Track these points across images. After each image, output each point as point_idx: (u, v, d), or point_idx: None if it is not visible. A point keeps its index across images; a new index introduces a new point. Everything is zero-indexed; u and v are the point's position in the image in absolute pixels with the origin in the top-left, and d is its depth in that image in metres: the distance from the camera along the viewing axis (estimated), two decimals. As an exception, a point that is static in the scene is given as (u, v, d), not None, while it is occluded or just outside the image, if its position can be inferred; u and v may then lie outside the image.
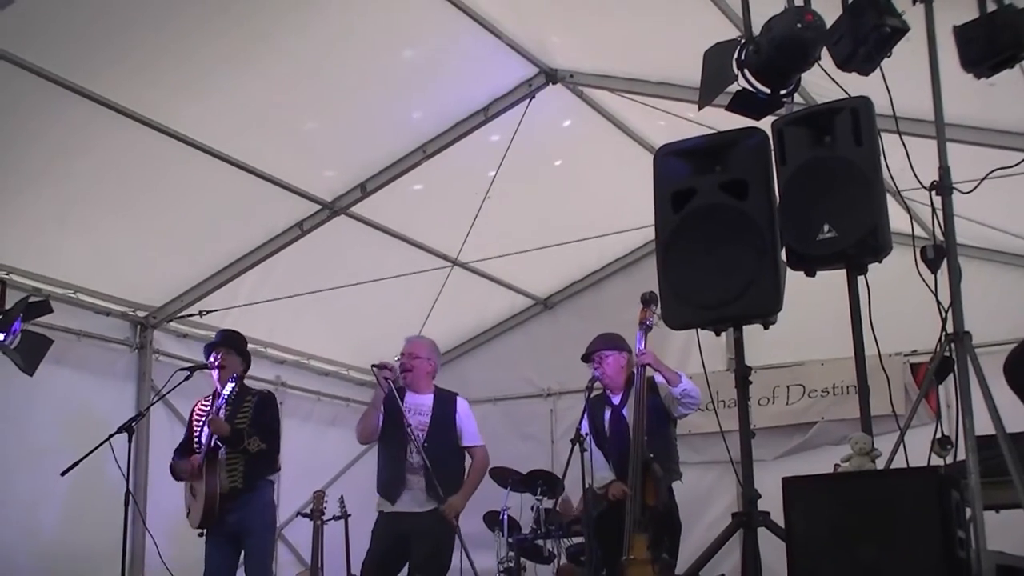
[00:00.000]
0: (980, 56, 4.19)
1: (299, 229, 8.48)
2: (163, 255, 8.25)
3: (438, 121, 7.95)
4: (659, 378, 6.75)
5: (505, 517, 8.54)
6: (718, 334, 5.13)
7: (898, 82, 4.43)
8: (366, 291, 8.86)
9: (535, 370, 10.71)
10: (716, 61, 4.69)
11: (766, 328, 4.90)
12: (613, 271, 10.53)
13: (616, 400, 7.03)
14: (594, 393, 6.92)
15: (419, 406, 6.92)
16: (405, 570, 6.78)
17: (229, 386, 6.79)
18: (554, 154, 8.73)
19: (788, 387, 9.39)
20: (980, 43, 4.17)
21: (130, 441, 6.54)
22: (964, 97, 4.95)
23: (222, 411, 6.78)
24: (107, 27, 6.09)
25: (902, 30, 4.27)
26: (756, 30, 4.55)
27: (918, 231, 5.33)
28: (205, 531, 6.78)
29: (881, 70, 4.37)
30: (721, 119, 5.12)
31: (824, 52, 4.48)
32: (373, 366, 6.84)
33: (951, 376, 4.25)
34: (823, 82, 4.76)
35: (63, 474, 6.41)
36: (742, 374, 4.94)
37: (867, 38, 4.26)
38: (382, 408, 6.82)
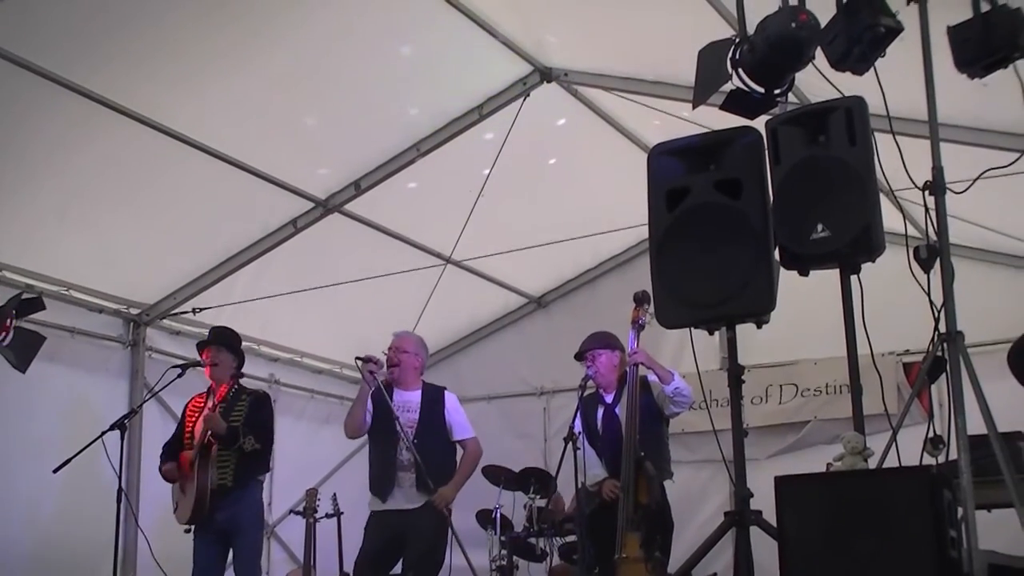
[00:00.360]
0: (974, 56, 4.20)
1: (293, 227, 8.47)
2: (157, 252, 8.24)
3: (432, 119, 7.95)
4: (652, 377, 6.75)
5: (498, 515, 8.53)
6: (711, 333, 5.12)
7: (892, 82, 4.44)
8: (360, 289, 8.85)
9: (529, 368, 10.72)
10: (710, 60, 4.69)
11: (759, 327, 4.90)
12: (607, 270, 10.53)
13: (609, 399, 7.05)
14: (587, 392, 6.93)
15: (407, 403, 6.89)
16: (398, 567, 6.78)
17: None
18: (548, 152, 8.73)
19: (781, 386, 9.40)
20: (974, 43, 4.18)
21: (123, 438, 6.54)
22: (958, 97, 4.95)
23: (217, 409, 6.76)
24: (103, 24, 6.08)
25: (896, 30, 4.28)
26: (751, 29, 4.55)
27: (911, 231, 5.36)
28: (192, 528, 6.77)
29: (875, 70, 4.38)
30: (715, 118, 5.12)
31: (818, 51, 4.48)
32: (357, 358, 6.77)
33: (943, 375, 4.27)
34: (817, 81, 4.76)
35: (55, 471, 6.40)
36: (735, 373, 4.94)
37: (861, 38, 4.27)
38: (369, 402, 6.80)
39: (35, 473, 7.14)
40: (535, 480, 8.53)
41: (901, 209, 5.02)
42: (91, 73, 6.37)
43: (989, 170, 4.52)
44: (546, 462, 9.36)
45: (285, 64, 6.89)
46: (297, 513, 7.85)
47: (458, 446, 7.00)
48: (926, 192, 4.33)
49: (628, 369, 6.68)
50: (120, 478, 6.51)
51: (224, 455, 6.73)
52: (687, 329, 5.07)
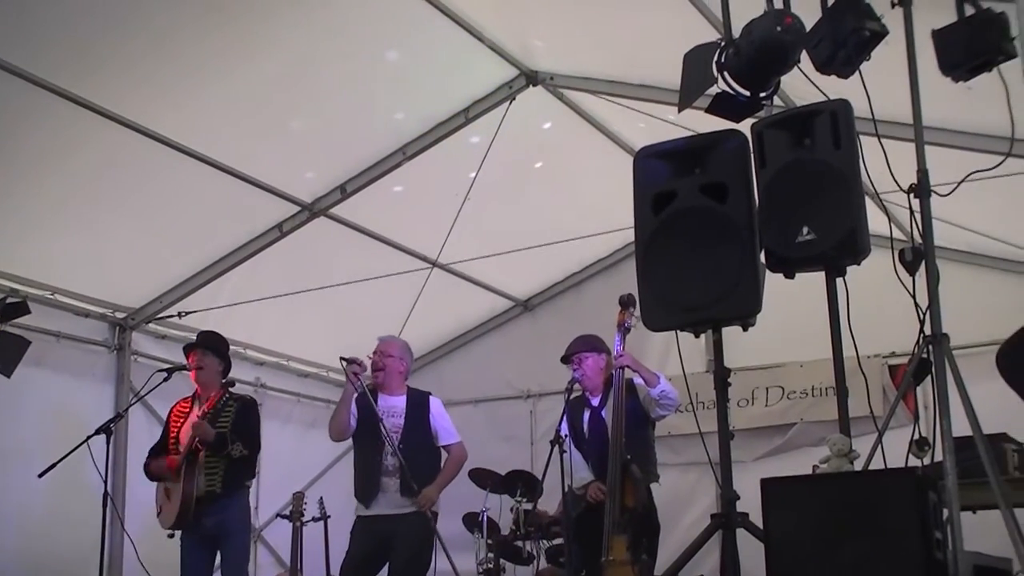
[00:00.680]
0: (958, 60, 4.21)
1: (279, 231, 8.45)
2: (142, 257, 8.22)
3: (418, 122, 7.94)
4: (638, 380, 6.74)
5: (484, 518, 8.53)
6: (697, 336, 5.12)
7: (877, 85, 4.46)
8: (346, 292, 8.84)
9: (515, 372, 10.71)
10: (696, 64, 4.70)
11: (745, 330, 4.91)
12: (593, 273, 10.55)
13: (595, 402, 7.04)
14: (573, 395, 6.93)
15: (392, 408, 6.85)
16: (384, 572, 6.77)
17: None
18: (534, 156, 8.74)
19: (767, 389, 9.42)
20: (959, 47, 4.19)
21: (108, 443, 6.53)
22: (943, 100, 4.97)
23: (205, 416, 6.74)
24: (90, 31, 6.08)
25: (881, 34, 4.29)
26: (736, 33, 4.57)
27: (897, 233, 5.37)
28: (179, 533, 6.72)
29: (860, 73, 4.40)
30: (701, 121, 5.13)
31: (804, 55, 4.50)
32: (342, 359, 6.71)
33: (929, 378, 4.28)
34: (803, 85, 4.77)
35: (41, 476, 6.40)
36: (721, 376, 4.95)
37: (847, 41, 4.29)
38: (353, 404, 6.77)
39: (20, 478, 7.13)
40: (522, 483, 8.53)
41: (886, 212, 5.03)
42: (78, 79, 6.36)
43: (974, 173, 4.53)
44: (532, 465, 9.35)
45: (271, 69, 6.88)
46: (284, 517, 7.84)
47: (443, 451, 6.98)
48: (911, 195, 4.34)
49: (614, 372, 6.67)
50: (106, 482, 6.50)
51: (212, 461, 6.69)
52: (673, 332, 5.08)
